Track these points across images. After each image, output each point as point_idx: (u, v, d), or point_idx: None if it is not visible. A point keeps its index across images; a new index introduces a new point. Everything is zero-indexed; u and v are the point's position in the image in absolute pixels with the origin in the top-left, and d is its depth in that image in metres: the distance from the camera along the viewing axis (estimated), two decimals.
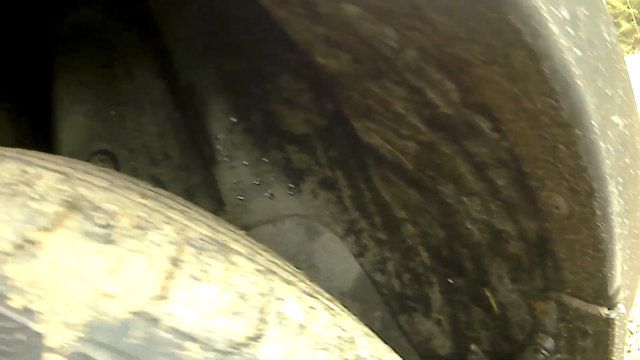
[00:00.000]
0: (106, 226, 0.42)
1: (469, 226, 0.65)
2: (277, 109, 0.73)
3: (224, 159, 0.76)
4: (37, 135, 0.85)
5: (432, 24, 0.46)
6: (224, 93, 0.76)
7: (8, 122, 0.84)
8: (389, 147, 0.63)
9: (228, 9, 0.71)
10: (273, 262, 0.44)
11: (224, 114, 0.76)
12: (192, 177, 0.79)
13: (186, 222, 0.45)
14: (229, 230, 0.47)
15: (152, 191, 0.53)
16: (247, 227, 0.73)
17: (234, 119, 0.76)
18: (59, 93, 0.84)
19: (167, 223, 0.44)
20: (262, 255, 0.44)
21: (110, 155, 0.83)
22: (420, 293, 0.71)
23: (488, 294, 0.68)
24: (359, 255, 0.74)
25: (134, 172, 0.81)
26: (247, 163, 0.75)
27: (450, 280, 0.69)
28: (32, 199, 0.42)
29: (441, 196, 0.64)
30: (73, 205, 0.43)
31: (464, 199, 0.63)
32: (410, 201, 0.68)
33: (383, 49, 0.52)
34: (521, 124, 0.52)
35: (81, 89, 0.84)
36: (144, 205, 0.44)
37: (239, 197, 0.75)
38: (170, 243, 0.42)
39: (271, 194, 0.75)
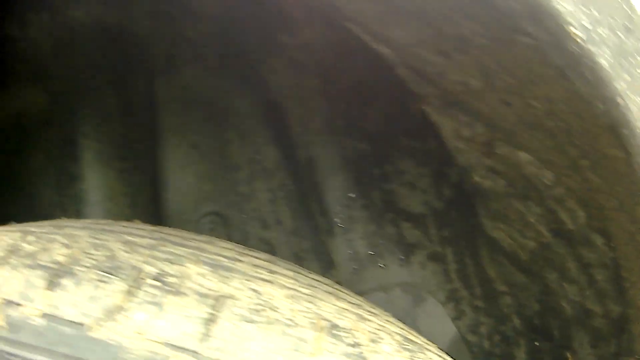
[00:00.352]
0: (355, 345, 0.59)
1: (563, 304, 0.88)
2: (396, 189, 0.91)
3: (341, 230, 0.92)
4: (149, 193, 0.97)
5: (588, 180, 0.66)
6: (344, 170, 0.92)
7: (121, 182, 0.95)
8: (510, 241, 0.83)
9: (363, 97, 0.86)
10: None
11: (342, 189, 0.92)
12: (302, 242, 0.95)
13: (384, 324, 0.63)
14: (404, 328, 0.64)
15: (342, 292, 0.71)
16: (360, 294, 0.91)
17: (352, 195, 0.92)
18: (168, 153, 0.95)
19: (381, 330, 0.61)
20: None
21: (220, 217, 0.97)
22: (507, 352, 0.93)
23: (569, 355, 0.91)
24: (456, 318, 0.95)
25: (245, 235, 0.96)
26: (362, 236, 0.92)
27: (536, 343, 0.92)
28: (287, 325, 0.55)
29: (544, 280, 0.86)
30: (319, 327, 0.58)
31: (564, 284, 0.85)
32: (514, 280, 0.89)
33: (537, 183, 0.71)
34: (630, 247, 0.74)
35: (192, 150, 0.96)
36: (358, 314, 0.61)
37: (353, 267, 0.93)
38: (398, 351, 0.60)
39: (383, 264, 0.93)
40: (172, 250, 0.62)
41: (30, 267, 0.56)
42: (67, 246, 0.60)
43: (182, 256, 0.61)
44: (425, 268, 0.94)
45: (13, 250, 0.61)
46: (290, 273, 0.63)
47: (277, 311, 0.53)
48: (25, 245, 0.62)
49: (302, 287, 0.60)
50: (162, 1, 0.96)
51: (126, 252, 0.59)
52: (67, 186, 0.98)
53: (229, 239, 0.80)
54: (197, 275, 0.58)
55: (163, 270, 0.58)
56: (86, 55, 0.99)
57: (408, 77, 0.74)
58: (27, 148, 1.05)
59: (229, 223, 0.98)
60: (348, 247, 0.94)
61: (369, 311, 0.63)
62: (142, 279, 0.57)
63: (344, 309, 0.61)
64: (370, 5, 0.71)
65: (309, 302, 0.57)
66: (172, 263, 0.59)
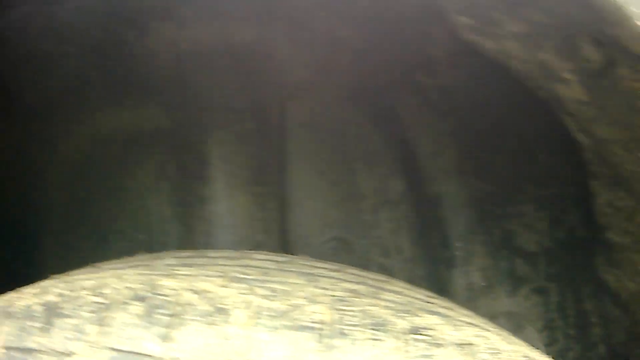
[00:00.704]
0: None
1: None
2: (514, 229, 0.99)
3: (460, 262, 1.00)
4: (280, 218, 0.99)
5: None
6: (469, 207, 0.99)
7: (257, 207, 0.96)
8: (617, 283, 0.95)
9: (496, 143, 0.94)
10: None
11: (465, 225, 1.00)
12: (418, 270, 1.02)
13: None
14: None
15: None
16: None
17: (474, 232, 1.00)
18: (297, 179, 0.98)
19: None
20: None
21: (343, 242, 1.01)
22: None
23: None
24: (548, 344, 1.06)
25: (366, 261, 1.01)
26: (478, 269, 1.01)
27: None
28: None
29: (635, 315, 0.99)
30: None
31: None
32: (608, 313, 1.01)
33: None
34: None
35: (320, 178, 0.99)
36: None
37: (467, 296, 1.01)
38: None
39: (494, 296, 1.02)
40: (394, 299, 0.67)
41: (295, 328, 0.57)
42: (311, 300, 0.61)
43: (411, 306, 0.66)
44: (528, 300, 1.04)
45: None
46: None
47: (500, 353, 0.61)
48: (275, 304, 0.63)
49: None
50: (305, 27, 0.97)
51: (373, 305, 0.63)
52: (196, 207, 0.97)
53: (351, 264, 0.85)
54: (439, 325, 0.64)
55: (414, 323, 0.63)
56: (215, 74, 0.98)
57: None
58: (140, 164, 1.03)
59: (351, 249, 1.03)
60: (464, 278, 1.02)
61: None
62: (403, 333, 0.62)
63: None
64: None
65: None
66: (412, 314, 0.63)
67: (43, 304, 0.61)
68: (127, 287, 0.63)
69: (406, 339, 0.60)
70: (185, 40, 0.98)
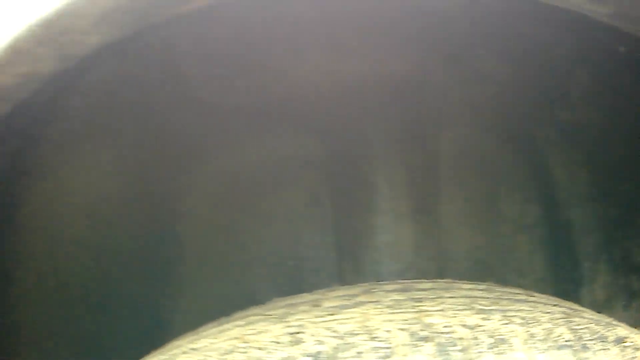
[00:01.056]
0: None
1: None
2: (632, 248, 1.11)
3: (586, 281, 1.10)
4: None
5: None
6: (596, 230, 1.09)
7: (423, 234, 1.00)
8: None
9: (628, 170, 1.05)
10: None
11: (593, 247, 1.10)
12: (547, 288, 1.11)
13: None
14: None
15: None
16: None
17: (599, 252, 1.10)
18: (447, 205, 1.04)
19: None
20: None
21: (485, 265, 1.07)
22: None
23: None
24: None
25: (505, 282, 1.08)
26: (602, 285, 1.11)
27: None
28: None
29: None
30: None
31: None
32: None
33: None
34: None
35: (466, 205, 1.05)
36: None
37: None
38: None
39: (612, 310, 1.13)
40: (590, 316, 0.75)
41: (557, 347, 0.65)
42: (554, 323, 0.69)
43: (602, 320, 0.75)
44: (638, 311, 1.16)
45: None
46: None
47: None
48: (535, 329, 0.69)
49: None
50: (459, 62, 1.02)
51: (586, 323, 0.71)
52: (357, 235, 0.99)
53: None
54: (630, 333, 0.72)
55: (616, 334, 0.71)
56: (374, 104, 1.00)
57: None
58: (289, 191, 1.02)
59: (492, 271, 1.09)
60: (590, 295, 1.12)
61: None
62: (616, 342, 0.70)
63: None
64: None
65: None
66: (609, 326, 0.72)
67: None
68: (400, 329, 0.65)
69: (622, 347, 0.69)
70: (344, 70, 1.00)
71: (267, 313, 0.72)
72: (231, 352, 0.59)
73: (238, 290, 1.05)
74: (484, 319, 0.70)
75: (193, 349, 0.65)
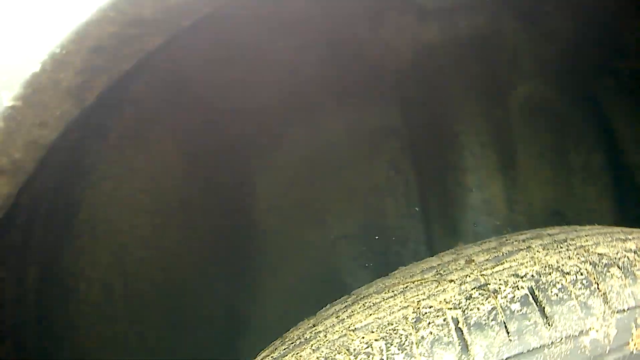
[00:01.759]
0: None
1: None
2: None
3: None
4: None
5: None
6: None
7: (513, 189, 1.04)
8: None
9: None
10: None
11: None
12: None
13: None
14: None
15: None
16: None
17: None
18: (523, 160, 1.08)
19: None
20: None
21: (560, 215, 1.13)
22: None
23: None
24: None
25: None
26: None
27: None
28: None
29: None
30: None
31: None
32: None
33: None
34: None
35: (538, 158, 1.10)
36: None
37: None
38: None
39: None
40: None
41: None
42: None
43: None
44: None
45: None
46: None
47: None
48: None
49: None
50: (531, 19, 1.05)
51: None
52: (459, 197, 1.01)
53: None
54: None
55: None
56: (458, 65, 1.03)
57: None
58: (371, 161, 1.03)
59: (565, 220, 1.14)
60: None
61: None
62: None
63: None
64: None
65: None
66: None
67: None
68: (581, 262, 0.67)
69: None
70: (420, 33, 1.01)
71: (422, 278, 0.73)
72: (419, 320, 0.59)
73: (324, 271, 1.06)
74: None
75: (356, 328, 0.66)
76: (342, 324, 0.69)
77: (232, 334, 1.10)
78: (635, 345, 0.60)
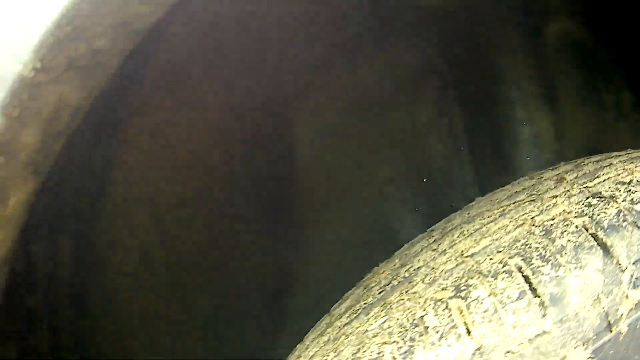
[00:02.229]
0: None
1: None
2: None
3: None
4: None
5: None
6: None
7: (562, 125, 1.02)
8: None
9: None
10: None
11: None
12: None
13: None
14: None
15: None
16: None
17: None
18: (562, 96, 1.07)
19: None
20: None
21: (593, 151, 1.13)
22: None
23: None
24: None
25: None
26: None
27: None
28: None
29: None
30: None
31: None
32: None
33: None
34: None
35: (576, 95, 1.09)
36: None
37: None
38: None
39: None
40: None
41: None
42: None
43: None
44: None
45: None
46: None
47: None
48: None
49: None
50: None
51: None
52: (508, 133, 0.98)
53: None
54: None
55: None
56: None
57: None
58: (413, 104, 0.99)
59: None
60: None
61: None
62: None
63: None
64: None
65: None
66: None
67: None
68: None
69: None
70: None
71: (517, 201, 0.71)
72: (549, 231, 0.57)
73: (372, 218, 1.02)
74: None
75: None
76: (446, 254, 0.65)
77: (282, 289, 1.05)
78: None
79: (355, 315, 0.73)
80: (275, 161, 0.99)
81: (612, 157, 0.78)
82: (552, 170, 0.83)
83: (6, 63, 0.36)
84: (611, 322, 0.46)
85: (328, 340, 0.74)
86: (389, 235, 1.04)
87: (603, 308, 0.47)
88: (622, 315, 0.46)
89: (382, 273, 0.83)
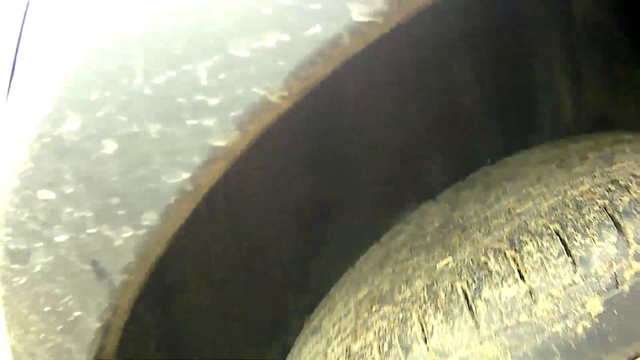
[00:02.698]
0: None
1: None
2: None
3: None
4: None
5: None
6: None
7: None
8: None
9: None
10: None
11: None
12: None
13: None
14: None
15: None
16: None
17: None
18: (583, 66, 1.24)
19: None
20: None
21: (606, 120, 1.32)
22: None
23: None
24: None
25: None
26: None
27: None
28: None
29: None
30: None
31: None
32: None
33: None
34: None
35: (592, 68, 1.25)
36: None
37: None
38: None
39: None
40: None
41: None
42: None
43: None
44: None
45: None
46: None
47: None
48: None
49: None
50: None
51: None
52: (529, 100, 1.15)
53: None
54: None
55: None
56: None
57: None
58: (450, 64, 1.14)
59: (611, 125, 1.32)
60: None
61: None
62: None
63: None
64: None
65: None
66: None
67: None
68: None
69: None
70: None
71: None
72: (580, 206, 0.77)
73: (402, 169, 1.19)
74: None
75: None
76: (494, 208, 0.85)
77: (318, 225, 1.24)
78: None
79: (417, 252, 0.93)
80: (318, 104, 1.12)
81: (625, 141, 0.97)
82: (575, 143, 1.01)
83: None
84: (619, 282, 0.67)
85: (393, 272, 0.94)
86: (418, 185, 1.23)
87: (614, 271, 0.68)
88: (626, 278, 0.68)
89: (433, 214, 1.02)
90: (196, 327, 1.05)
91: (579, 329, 0.66)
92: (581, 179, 0.84)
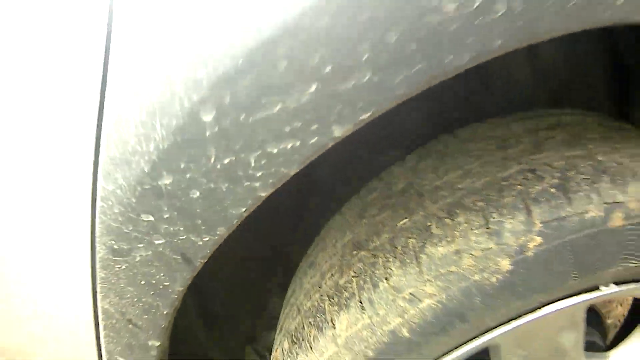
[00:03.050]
0: None
1: None
2: None
3: None
4: None
5: None
6: None
7: None
8: None
9: None
10: None
11: None
12: None
13: None
14: None
15: None
16: None
17: None
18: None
19: None
20: None
21: None
22: None
23: None
24: None
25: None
26: None
27: None
28: None
29: None
30: None
31: None
32: None
33: None
34: None
35: None
36: None
37: None
38: None
39: None
40: None
41: None
42: None
43: None
44: None
45: None
46: None
47: None
48: None
49: None
50: None
51: None
52: None
53: None
54: None
55: None
56: None
57: None
58: None
59: None
60: None
61: None
62: None
63: None
64: None
65: None
66: None
67: None
68: None
69: None
70: None
71: None
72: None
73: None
74: None
75: None
76: (442, 179, 1.06)
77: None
78: None
79: (384, 210, 1.11)
80: None
81: (563, 125, 1.11)
82: (520, 121, 1.17)
83: None
84: (524, 250, 0.84)
85: (368, 224, 1.10)
86: None
87: (521, 242, 0.85)
88: (530, 247, 0.85)
89: (399, 176, 1.22)
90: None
91: (493, 279, 0.88)
92: (510, 163, 1.01)
